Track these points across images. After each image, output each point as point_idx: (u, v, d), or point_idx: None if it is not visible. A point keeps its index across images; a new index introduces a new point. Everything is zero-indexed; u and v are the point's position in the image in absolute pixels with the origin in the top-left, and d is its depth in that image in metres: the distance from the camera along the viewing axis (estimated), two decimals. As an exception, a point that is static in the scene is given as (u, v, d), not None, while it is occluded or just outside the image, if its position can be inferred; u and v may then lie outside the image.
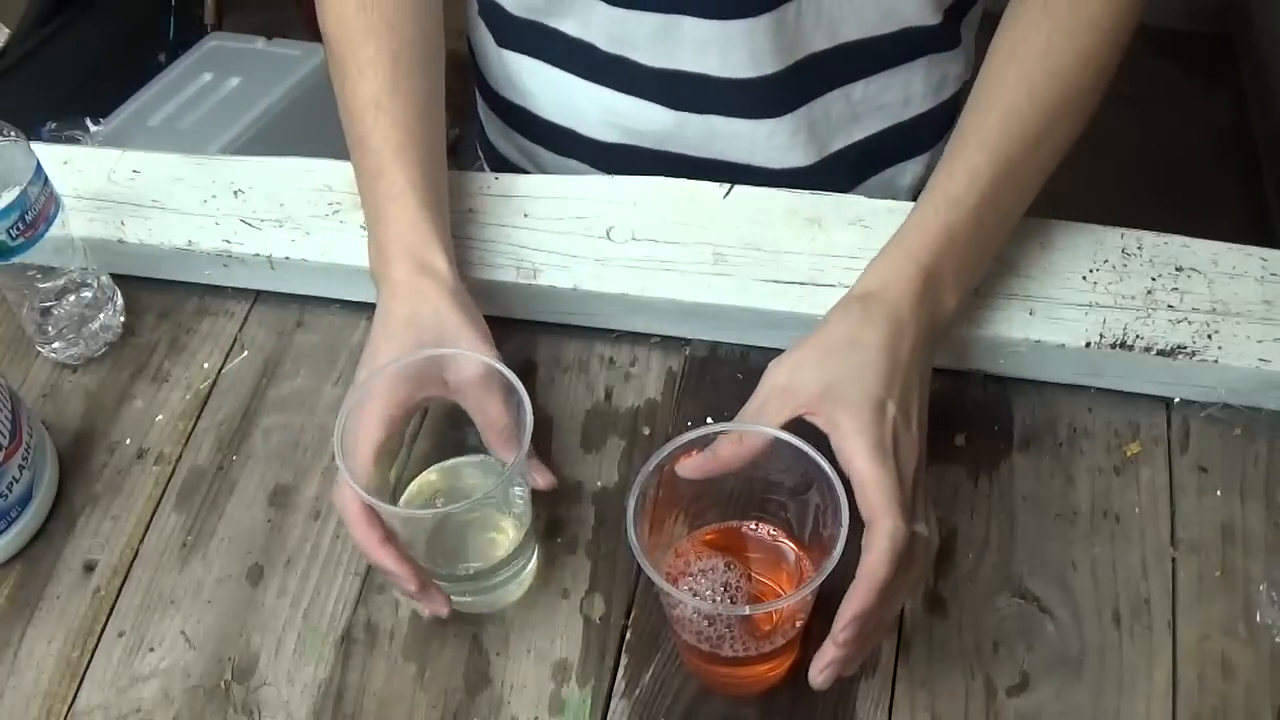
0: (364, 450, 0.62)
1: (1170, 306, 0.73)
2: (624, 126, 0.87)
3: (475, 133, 1.02)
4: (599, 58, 0.83)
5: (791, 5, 0.78)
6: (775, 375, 0.62)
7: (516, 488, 0.65)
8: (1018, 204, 0.70)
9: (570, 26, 0.83)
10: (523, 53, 0.88)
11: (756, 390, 0.63)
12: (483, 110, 0.98)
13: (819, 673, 0.57)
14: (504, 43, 0.89)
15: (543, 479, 0.67)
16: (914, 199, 0.69)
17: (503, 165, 0.96)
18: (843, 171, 0.87)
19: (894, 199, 0.79)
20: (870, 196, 0.80)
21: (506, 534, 0.66)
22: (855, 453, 0.58)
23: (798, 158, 0.86)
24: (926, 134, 0.90)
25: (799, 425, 0.60)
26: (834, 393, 0.60)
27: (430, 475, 0.69)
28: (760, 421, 0.60)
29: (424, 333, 0.66)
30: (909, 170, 0.91)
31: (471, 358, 0.64)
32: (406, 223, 0.70)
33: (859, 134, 0.87)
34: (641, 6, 0.79)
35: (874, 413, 0.59)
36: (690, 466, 0.60)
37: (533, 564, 0.68)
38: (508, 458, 0.64)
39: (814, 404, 0.60)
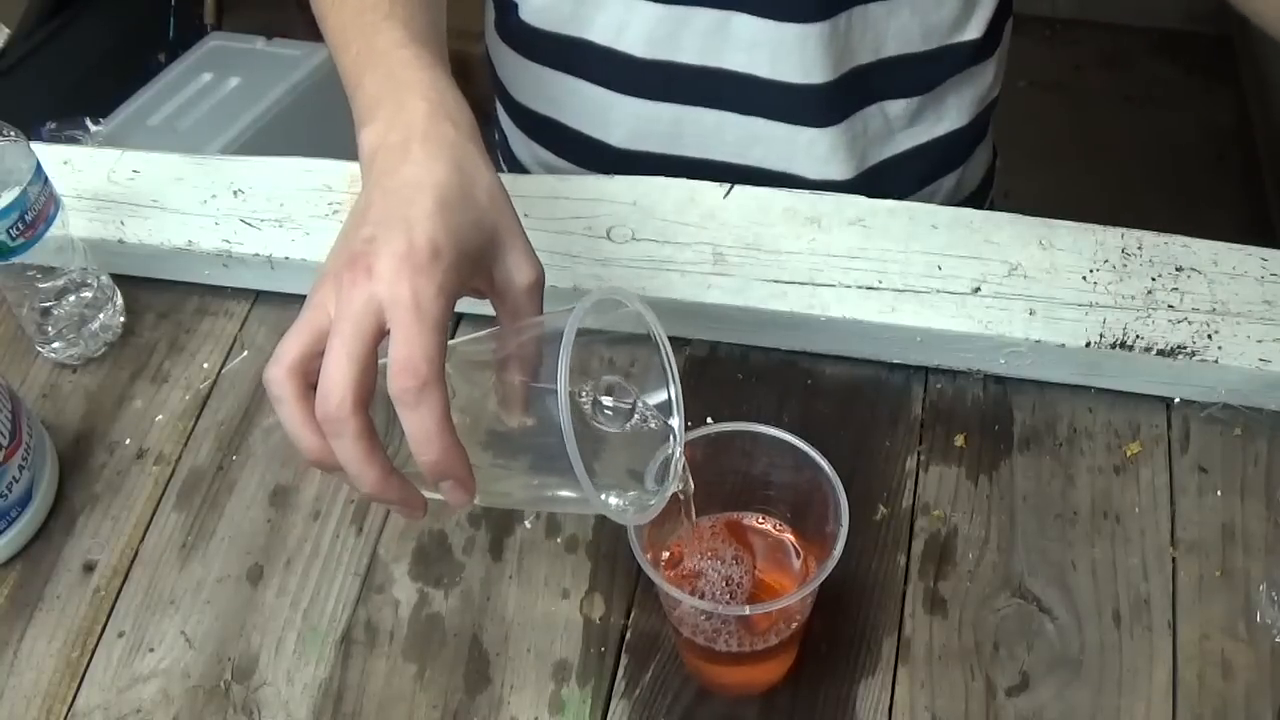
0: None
1: (1170, 306, 0.73)
2: (659, 134, 0.86)
3: (495, 141, 1.01)
4: (634, 65, 0.83)
5: (843, 16, 0.78)
6: None
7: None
8: None
9: (599, 35, 0.82)
10: (547, 65, 0.87)
11: None
12: (505, 121, 0.97)
13: None
14: (526, 54, 0.88)
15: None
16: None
17: (523, 174, 0.95)
18: (881, 187, 0.86)
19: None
20: None
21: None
22: None
23: (836, 170, 0.86)
24: (959, 150, 0.90)
25: None
26: None
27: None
28: None
29: (483, 217, 0.54)
30: (943, 185, 0.91)
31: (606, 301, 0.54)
32: (445, 89, 0.58)
33: (892, 150, 0.87)
34: (693, 2, 0.79)
35: None
36: None
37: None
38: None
39: None
